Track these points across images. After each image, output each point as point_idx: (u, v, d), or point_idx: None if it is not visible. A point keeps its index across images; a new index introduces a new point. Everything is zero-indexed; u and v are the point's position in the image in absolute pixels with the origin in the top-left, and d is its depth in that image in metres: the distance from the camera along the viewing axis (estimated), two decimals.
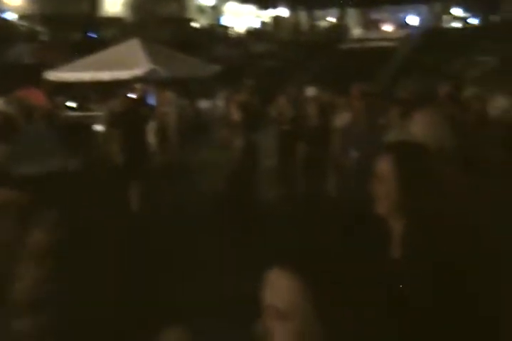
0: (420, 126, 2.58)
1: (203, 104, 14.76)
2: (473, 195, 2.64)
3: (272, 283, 1.20)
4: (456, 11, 34.60)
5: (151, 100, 12.28)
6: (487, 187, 5.52)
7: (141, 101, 11.37)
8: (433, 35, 26.34)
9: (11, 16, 26.51)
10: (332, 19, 35.88)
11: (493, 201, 4.84)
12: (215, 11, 36.15)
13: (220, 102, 12.92)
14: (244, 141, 7.98)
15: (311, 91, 10.83)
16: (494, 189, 6.04)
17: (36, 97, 10.19)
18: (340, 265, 1.26)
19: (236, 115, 8.18)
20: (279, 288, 1.19)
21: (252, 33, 32.64)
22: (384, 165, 2.01)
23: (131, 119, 7.99)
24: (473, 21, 32.92)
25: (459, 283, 1.92)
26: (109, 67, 13.72)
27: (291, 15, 36.06)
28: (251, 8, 36.57)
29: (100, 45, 17.35)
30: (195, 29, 32.03)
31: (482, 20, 31.50)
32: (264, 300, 1.20)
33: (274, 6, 36.22)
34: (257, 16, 36.58)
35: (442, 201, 2.05)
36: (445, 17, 33.83)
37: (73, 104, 13.74)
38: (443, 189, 2.13)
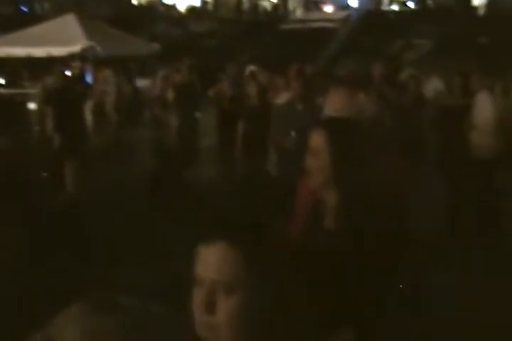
0: (331, 105, 2.66)
1: (142, 82, 14.50)
2: (402, 171, 2.72)
3: (212, 257, 1.17)
4: None
5: (89, 78, 11.96)
6: (419, 167, 5.67)
7: (77, 78, 11.05)
8: (372, 17, 26.67)
9: None
10: None
11: (422, 180, 4.97)
12: None
13: (159, 81, 12.72)
14: (180, 120, 7.89)
15: (251, 70, 10.79)
16: (425, 168, 6.20)
17: None
18: (279, 238, 1.26)
19: (171, 94, 8.09)
20: (222, 262, 1.16)
21: (193, 12, 32.16)
22: (316, 140, 2.11)
23: (67, 97, 7.76)
24: (411, 5, 33.50)
25: (388, 252, 1.99)
26: (43, 42, 13.25)
27: None
28: None
29: (33, 19, 16.70)
30: (135, 6, 31.30)
31: (419, 4, 32.09)
32: (203, 275, 1.16)
33: None
34: None
35: (372, 175, 2.13)
36: (384, 0, 34.27)
37: (2, 81, 13.24)
38: (373, 164, 2.21)
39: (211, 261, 1.17)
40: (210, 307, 1.15)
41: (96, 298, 0.61)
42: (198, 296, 1.17)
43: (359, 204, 2.05)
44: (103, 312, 0.59)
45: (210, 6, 34.65)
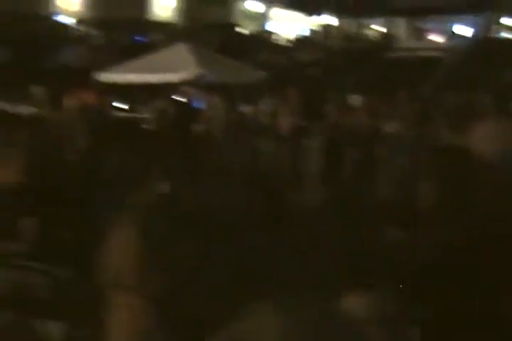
0: (480, 138, 2.68)
1: (248, 109, 14.89)
2: None
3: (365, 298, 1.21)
4: (508, 21, 33.95)
5: (197, 104, 12.45)
6: None
7: (187, 104, 11.57)
8: (481, 46, 25.91)
9: (68, 20, 27.44)
10: (379, 28, 35.69)
11: None
12: (262, 16, 36.40)
13: (264, 108, 13.04)
14: (288, 146, 8.06)
15: (357, 99, 10.84)
16: None
17: (88, 97, 10.49)
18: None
19: (281, 122, 8.29)
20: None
21: (298, 40, 32.71)
22: (426, 166, 2.24)
23: (178, 121, 8.16)
24: None
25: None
26: (157, 69, 13.98)
27: (337, 23, 36.02)
28: (298, 15, 36.68)
29: (149, 48, 17.68)
30: (241, 34, 32.29)
31: None
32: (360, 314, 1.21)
33: (321, 13, 36.27)
34: (304, 23, 36.66)
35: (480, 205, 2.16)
36: (495, 27, 33.24)
37: (122, 105, 14.05)
38: (482, 193, 2.23)
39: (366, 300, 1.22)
40: None
41: (282, 297, 0.68)
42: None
43: (463, 239, 2.08)
44: (292, 311, 0.65)
45: (315, 35, 35.13)
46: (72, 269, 2.90)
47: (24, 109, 7.97)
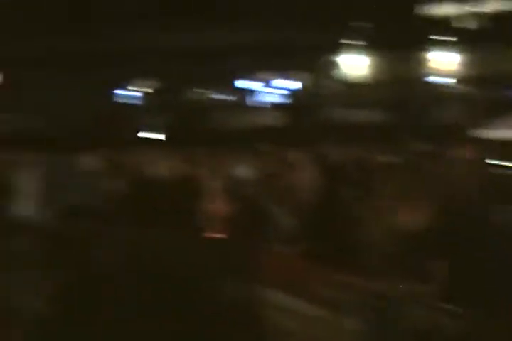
0: None
1: None
2: None
3: None
4: None
5: None
6: None
7: None
8: None
9: (441, 80, 28.40)
10: None
11: None
12: None
13: None
14: None
15: None
16: None
17: (468, 153, 10.57)
18: None
19: None
20: None
21: None
22: None
23: None
24: None
25: None
26: None
27: None
28: None
29: None
30: None
31: None
32: None
33: None
34: None
35: None
36: None
37: (503, 162, 13.70)
38: None
39: None
40: None
41: None
42: None
43: None
44: None
45: None
46: (486, 313, 2.97)
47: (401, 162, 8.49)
